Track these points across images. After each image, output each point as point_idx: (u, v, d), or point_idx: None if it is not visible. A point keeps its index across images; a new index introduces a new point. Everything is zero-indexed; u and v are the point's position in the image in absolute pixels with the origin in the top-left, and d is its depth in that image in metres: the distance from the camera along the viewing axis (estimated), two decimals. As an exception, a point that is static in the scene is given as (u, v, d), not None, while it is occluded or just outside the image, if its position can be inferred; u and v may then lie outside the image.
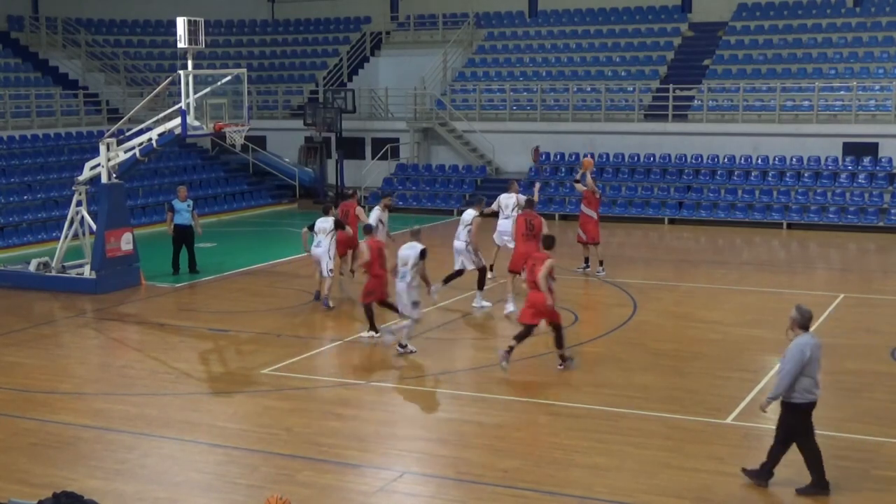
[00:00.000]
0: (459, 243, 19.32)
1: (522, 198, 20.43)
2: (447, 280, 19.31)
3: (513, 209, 20.47)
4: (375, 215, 20.20)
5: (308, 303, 19.65)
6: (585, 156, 28.91)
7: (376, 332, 16.69)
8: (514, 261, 18.25)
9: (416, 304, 15.90)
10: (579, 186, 22.49)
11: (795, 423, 10.49)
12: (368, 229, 17.63)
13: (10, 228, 26.66)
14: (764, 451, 10.90)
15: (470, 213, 19.31)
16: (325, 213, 19.60)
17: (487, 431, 12.57)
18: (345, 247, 20.50)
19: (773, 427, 10.91)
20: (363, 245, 16.84)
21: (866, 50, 33.16)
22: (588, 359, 15.81)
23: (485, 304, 19.20)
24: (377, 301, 16.68)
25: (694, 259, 24.02)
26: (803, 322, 10.49)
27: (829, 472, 10.79)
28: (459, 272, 19.46)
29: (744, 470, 10.85)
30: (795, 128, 31.26)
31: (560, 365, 15.10)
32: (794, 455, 10.74)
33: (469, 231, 19.09)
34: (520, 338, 14.88)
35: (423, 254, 15.84)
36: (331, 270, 19.26)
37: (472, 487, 10.84)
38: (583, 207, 22.28)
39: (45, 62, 36.74)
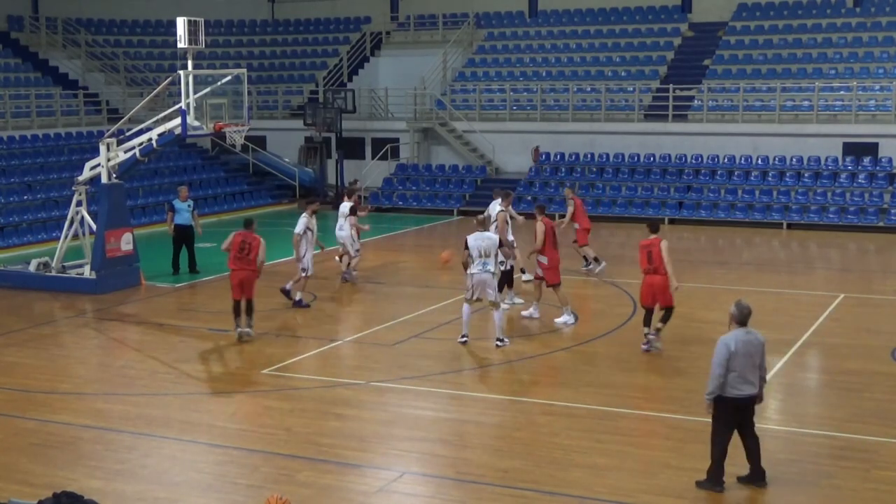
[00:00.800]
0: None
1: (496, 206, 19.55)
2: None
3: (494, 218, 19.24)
4: (303, 223, 19.20)
5: (309, 302, 19.64)
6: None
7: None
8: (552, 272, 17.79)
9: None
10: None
11: (721, 416, 10.59)
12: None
13: (10, 228, 26.67)
14: (763, 451, 10.89)
15: (495, 207, 19.24)
16: (349, 196, 21.63)
17: (487, 431, 12.57)
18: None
19: (774, 427, 10.91)
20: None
21: (866, 50, 33.16)
22: (588, 359, 15.81)
23: (517, 300, 19.13)
24: None
25: (694, 259, 24.01)
26: (741, 318, 10.57)
27: (829, 472, 10.79)
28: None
29: (740, 479, 10.82)
30: (795, 128, 31.27)
31: (645, 344, 15.85)
32: (795, 455, 10.74)
33: (496, 227, 18.65)
34: (649, 322, 15.85)
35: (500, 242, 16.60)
36: (357, 250, 21.19)
37: (472, 487, 10.84)
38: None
39: (45, 62, 36.75)
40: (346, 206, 21.24)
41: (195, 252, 22.52)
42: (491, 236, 16.31)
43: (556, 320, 17.86)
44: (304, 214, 19.51)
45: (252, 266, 16.65)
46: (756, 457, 10.71)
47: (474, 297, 16.19)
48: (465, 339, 16.36)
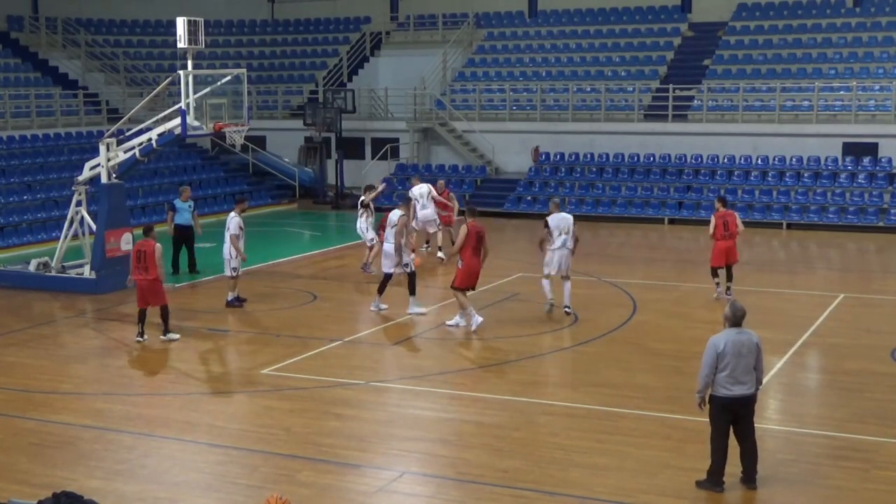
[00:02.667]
0: (388, 245, 18.58)
1: (425, 187, 23.29)
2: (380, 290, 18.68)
3: (428, 196, 23.14)
4: (237, 222, 18.99)
5: (309, 302, 19.66)
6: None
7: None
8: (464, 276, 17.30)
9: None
10: None
11: (714, 415, 10.63)
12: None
13: (10, 228, 26.66)
14: (763, 451, 10.91)
15: (396, 214, 18.52)
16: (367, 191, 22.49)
17: (487, 431, 12.57)
18: None
19: (774, 427, 10.91)
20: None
21: (866, 50, 33.16)
22: (588, 359, 15.82)
23: (421, 309, 18.45)
24: None
25: (694, 259, 23.99)
26: (734, 319, 10.63)
27: (829, 472, 10.79)
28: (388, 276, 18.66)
29: (698, 483, 10.81)
30: (795, 128, 31.26)
31: (728, 294, 18.93)
32: (795, 455, 10.74)
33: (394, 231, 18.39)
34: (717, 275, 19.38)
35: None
36: (372, 239, 21.91)
37: (472, 487, 10.84)
38: None
39: (44, 62, 36.74)
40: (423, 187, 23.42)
41: (195, 252, 22.52)
42: (567, 216, 18.31)
43: (447, 322, 17.57)
44: (235, 214, 19.15)
45: (151, 275, 16.52)
46: (751, 459, 10.68)
47: (557, 272, 18.06)
48: (550, 306, 18.30)
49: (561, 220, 18.15)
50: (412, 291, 18.47)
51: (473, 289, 17.58)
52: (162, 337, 16.87)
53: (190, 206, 22.35)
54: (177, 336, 16.95)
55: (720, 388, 10.50)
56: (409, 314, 18.34)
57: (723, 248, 19.42)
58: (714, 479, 10.61)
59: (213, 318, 18.58)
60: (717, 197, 21.12)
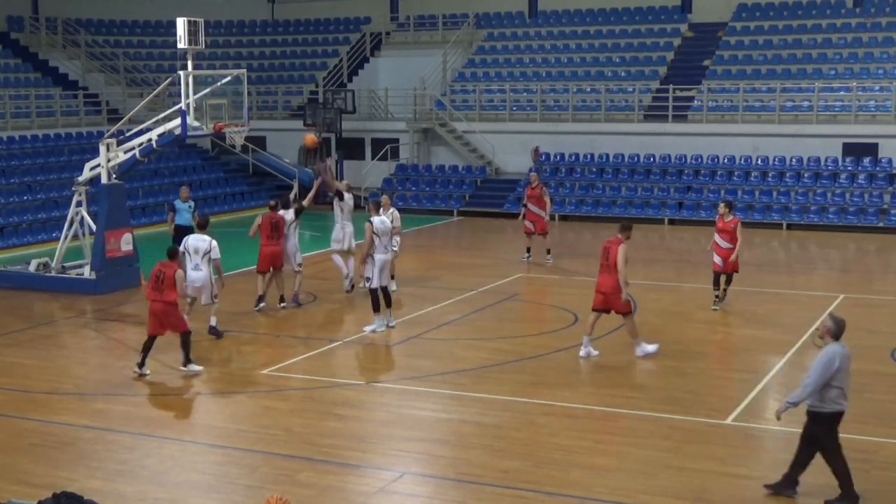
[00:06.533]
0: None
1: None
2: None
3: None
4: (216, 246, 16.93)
5: (309, 303, 19.66)
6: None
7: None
8: None
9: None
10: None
11: (821, 433, 10.34)
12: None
13: (10, 229, 26.67)
14: (763, 452, 10.93)
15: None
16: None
17: (487, 432, 12.57)
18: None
19: (774, 428, 10.90)
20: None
21: (866, 50, 33.16)
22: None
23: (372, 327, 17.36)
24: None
25: (694, 259, 24.01)
26: (837, 332, 10.29)
27: (829, 472, 10.75)
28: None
29: (767, 486, 10.64)
30: (795, 128, 31.26)
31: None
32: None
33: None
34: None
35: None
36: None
37: (472, 488, 10.84)
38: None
39: (45, 62, 36.73)
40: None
41: None
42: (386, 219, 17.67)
43: (365, 328, 17.30)
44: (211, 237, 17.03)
45: (168, 297, 14.75)
46: (848, 476, 10.40)
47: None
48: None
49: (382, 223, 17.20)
50: (375, 308, 17.23)
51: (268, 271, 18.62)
52: (182, 368, 15.08)
53: (190, 207, 22.33)
54: (199, 368, 15.08)
55: (832, 404, 10.23)
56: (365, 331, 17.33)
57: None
58: (852, 499, 10.35)
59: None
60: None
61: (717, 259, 18.81)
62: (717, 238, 18.81)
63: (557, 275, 22.41)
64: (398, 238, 19.19)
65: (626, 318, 15.53)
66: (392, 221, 18.27)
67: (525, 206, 23.77)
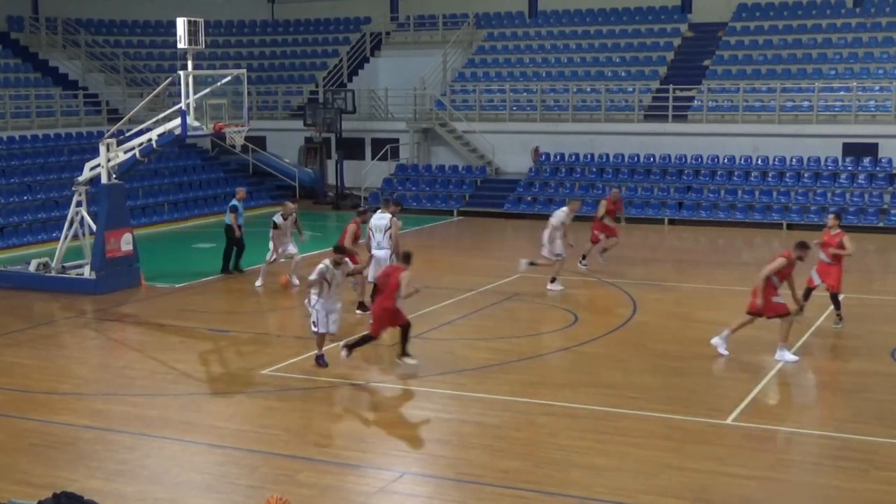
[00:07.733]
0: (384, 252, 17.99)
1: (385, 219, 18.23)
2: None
3: (385, 233, 18.13)
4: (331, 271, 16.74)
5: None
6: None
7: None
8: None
9: None
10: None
11: None
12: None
13: (10, 229, 26.66)
14: (763, 452, 10.91)
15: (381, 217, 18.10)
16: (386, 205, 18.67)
17: (487, 432, 12.57)
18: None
19: (774, 427, 10.89)
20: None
21: (866, 50, 33.16)
22: (588, 359, 15.81)
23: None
24: None
25: (694, 259, 24.01)
26: None
27: (829, 472, 10.80)
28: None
29: None
30: (795, 128, 31.26)
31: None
32: (795, 455, 10.70)
33: (389, 236, 18.02)
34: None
35: None
36: None
37: (472, 488, 10.84)
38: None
39: (45, 62, 36.73)
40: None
41: (243, 251, 22.56)
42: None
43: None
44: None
45: (387, 303, 14.96)
46: None
47: None
48: None
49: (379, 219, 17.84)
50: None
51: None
52: (399, 360, 15.09)
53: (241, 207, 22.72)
54: (415, 361, 14.99)
55: None
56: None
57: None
58: None
59: (213, 319, 18.57)
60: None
61: (813, 275, 17.39)
62: (820, 255, 17.32)
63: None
64: (387, 247, 18.23)
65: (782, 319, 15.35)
66: (390, 227, 18.17)
67: (605, 220, 22.91)
